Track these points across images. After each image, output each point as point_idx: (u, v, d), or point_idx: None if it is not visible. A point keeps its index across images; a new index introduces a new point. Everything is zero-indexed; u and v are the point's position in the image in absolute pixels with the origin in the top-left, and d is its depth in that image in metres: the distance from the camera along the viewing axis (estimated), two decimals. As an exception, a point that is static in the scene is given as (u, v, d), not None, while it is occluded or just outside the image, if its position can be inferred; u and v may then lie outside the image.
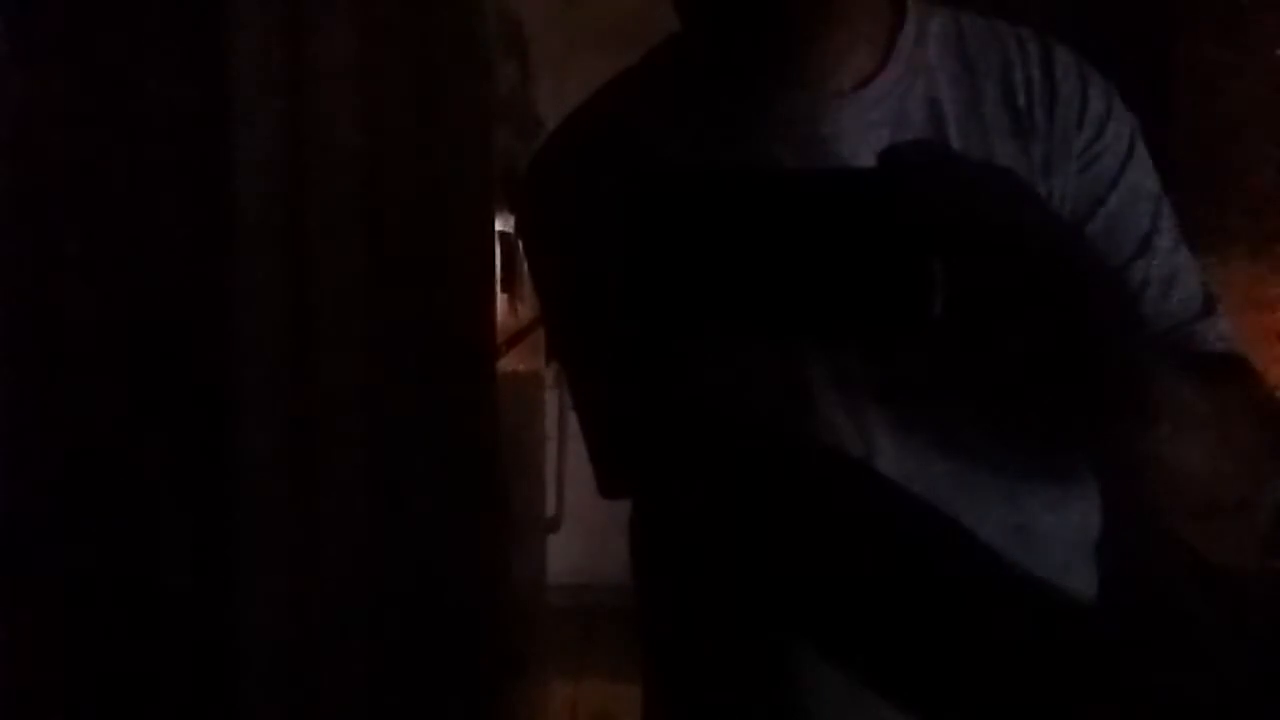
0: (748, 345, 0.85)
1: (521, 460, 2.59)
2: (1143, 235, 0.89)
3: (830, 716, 0.89)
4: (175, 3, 1.01)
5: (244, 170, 1.05)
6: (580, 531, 2.95)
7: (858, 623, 0.87)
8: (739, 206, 0.66)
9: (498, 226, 2.15)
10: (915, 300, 0.63)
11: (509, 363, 2.28)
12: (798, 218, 0.65)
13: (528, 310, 2.48)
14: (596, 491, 0.96)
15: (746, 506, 0.87)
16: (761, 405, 0.86)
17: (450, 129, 1.80)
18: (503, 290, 2.25)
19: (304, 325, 1.20)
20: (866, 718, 0.87)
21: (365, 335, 1.38)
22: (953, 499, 0.85)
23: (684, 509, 0.90)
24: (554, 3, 3.28)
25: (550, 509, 3.04)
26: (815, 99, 0.88)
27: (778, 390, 0.86)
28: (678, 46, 0.96)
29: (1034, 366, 0.67)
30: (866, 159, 0.68)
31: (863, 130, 0.86)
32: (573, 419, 0.98)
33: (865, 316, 0.65)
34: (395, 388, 1.49)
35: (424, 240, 1.64)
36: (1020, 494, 0.88)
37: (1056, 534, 0.89)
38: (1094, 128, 0.89)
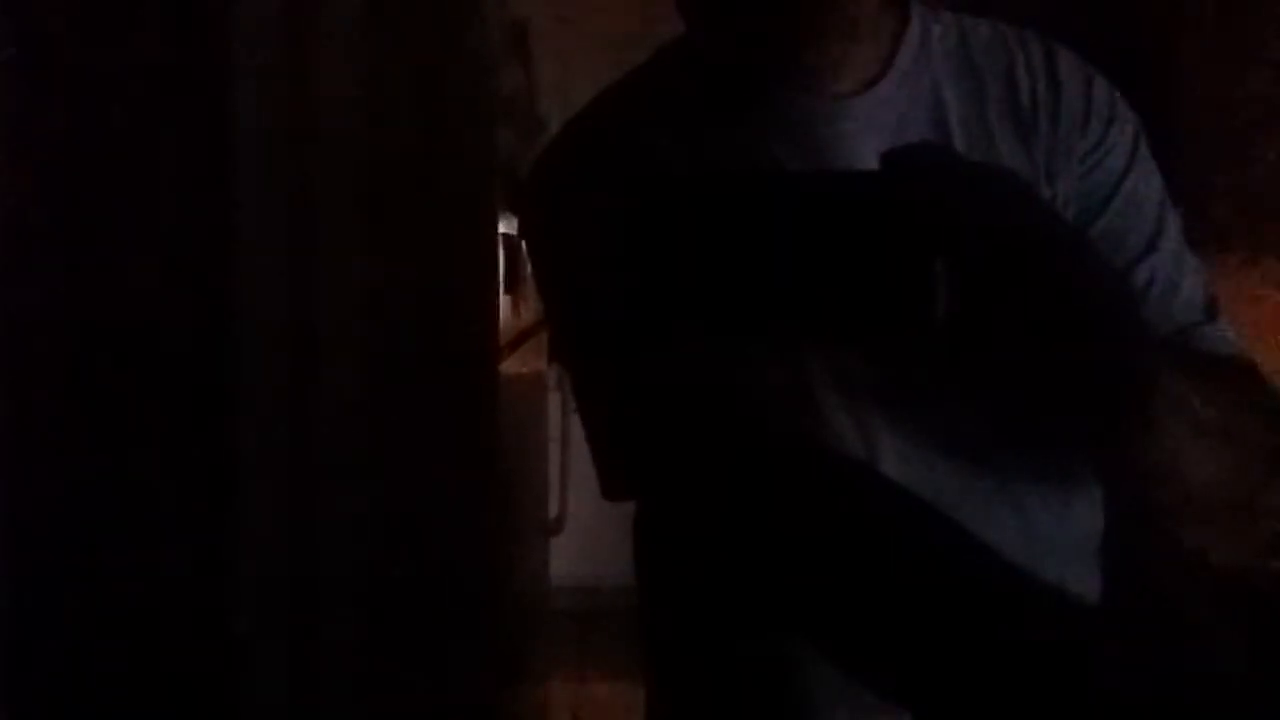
0: (751, 347, 0.85)
1: (524, 462, 2.59)
2: (1147, 237, 0.89)
3: (831, 718, 0.89)
4: (176, 9, 1.01)
5: (245, 173, 1.05)
6: (582, 534, 2.95)
7: (859, 624, 0.87)
8: (742, 209, 0.66)
9: (501, 228, 2.15)
10: (918, 302, 0.63)
11: (511, 365, 2.28)
12: (800, 220, 0.65)
13: (530, 312, 2.49)
14: (599, 494, 0.96)
15: (749, 509, 0.87)
16: (764, 407, 0.86)
17: (453, 130, 1.80)
18: (505, 292, 2.25)
19: (305, 326, 1.19)
20: (867, 718, 0.87)
21: (367, 337, 1.38)
22: (955, 501, 0.85)
23: (687, 511, 0.90)
24: (557, 4, 3.28)
25: (553, 511, 3.04)
26: (819, 102, 0.88)
27: (781, 392, 0.86)
28: (681, 49, 0.96)
29: (1037, 369, 0.67)
30: (870, 162, 0.68)
31: (866, 133, 0.86)
32: (575, 421, 0.98)
33: (868, 319, 0.65)
34: (397, 390, 1.49)
35: (426, 242, 1.64)
36: (1023, 496, 0.88)
37: (1059, 536, 0.89)
38: (1098, 130, 0.89)
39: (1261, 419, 0.85)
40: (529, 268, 1.73)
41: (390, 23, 1.50)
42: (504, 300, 2.23)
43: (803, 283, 0.65)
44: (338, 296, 1.29)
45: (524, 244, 1.05)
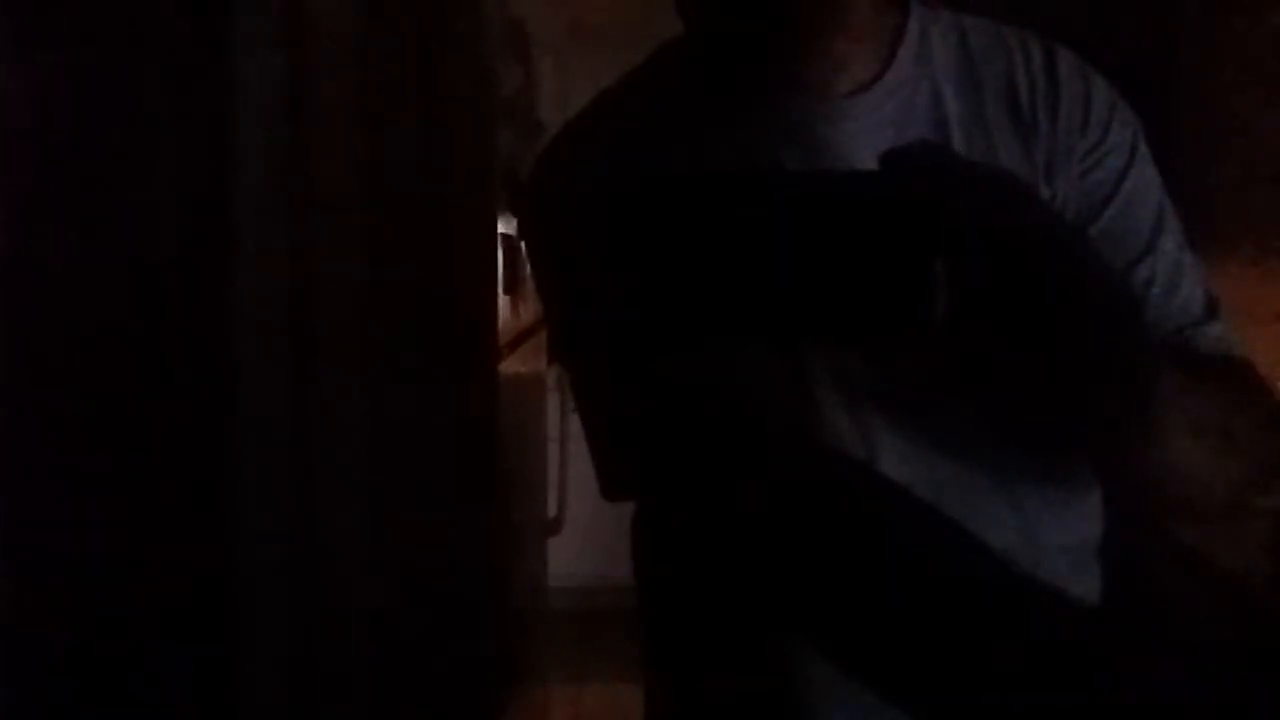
0: (750, 347, 0.85)
1: (523, 462, 2.59)
2: (1146, 238, 0.89)
3: (831, 717, 0.89)
4: (177, 7, 1.01)
5: (246, 172, 1.05)
6: (581, 534, 2.95)
7: (859, 624, 0.87)
8: (741, 209, 0.66)
9: (500, 229, 2.15)
10: (917, 303, 0.63)
11: (511, 365, 2.28)
12: (800, 220, 0.65)
13: (530, 312, 2.49)
14: (598, 493, 0.96)
15: (748, 508, 0.87)
16: (764, 407, 0.86)
17: (453, 131, 1.80)
18: (505, 292, 2.25)
19: (306, 326, 1.20)
20: (867, 718, 0.87)
21: (367, 337, 1.38)
22: (955, 501, 0.85)
23: (686, 510, 0.90)
24: (557, 4, 3.28)
25: (551, 511, 3.04)
26: (818, 102, 0.88)
27: (780, 392, 0.86)
28: (681, 49, 0.96)
29: (1036, 369, 0.67)
30: (869, 162, 0.68)
31: (865, 133, 0.86)
32: (574, 421, 0.98)
33: (867, 319, 0.65)
34: (397, 389, 1.49)
35: (426, 242, 1.64)
36: (1022, 496, 0.87)
37: (1059, 536, 0.89)
38: (1097, 130, 0.89)
39: (1260, 420, 0.85)
40: (528, 268, 1.73)
41: (390, 23, 1.50)
42: (503, 300, 2.23)
43: (802, 283, 0.65)
44: (338, 296, 1.29)
45: (523, 244, 1.05)
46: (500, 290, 2.20)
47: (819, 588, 0.87)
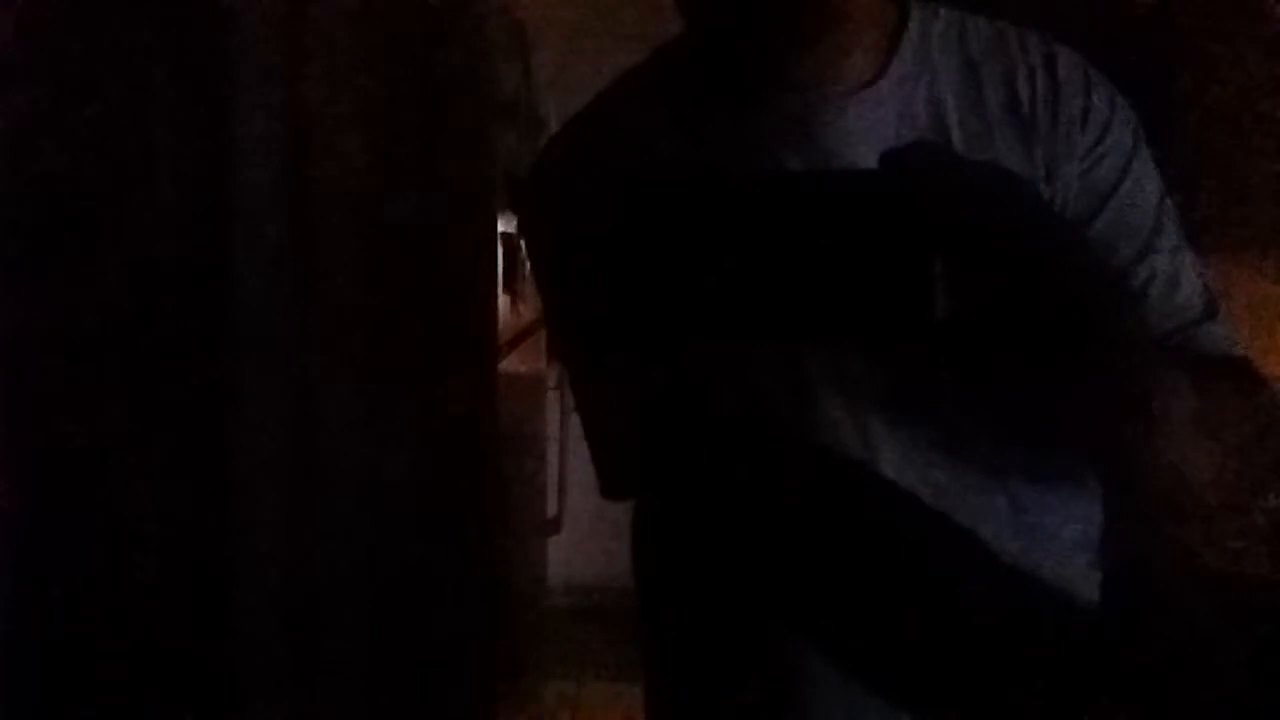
0: (750, 346, 0.85)
1: (523, 461, 2.59)
2: (1146, 237, 0.89)
3: (831, 716, 0.89)
4: (176, 7, 1.01)
5: (245, 171, 1.05)
6: (581, 533, 2.95)
7: (859, 623, 0.87)
8: (741, 208, 0.66)
9: (500, 227, 2.15)
10: (917, 301, 0.63)
11: (510, 364, 2.28)
12: (800, 219, 0.65)
13: (530, 311, 2.49)
14: (598, 493, 0.96)
15: (748, 507, 0.87)
16: (764, 406, 0.86)
17: (453, 129, 1.80)
18: (505, 291, 2.25)
19: (305, 325, 1.20)
20: (867, 717, 0.87)
21: (366, 335, 1.38)
22: (955, 500, 0.85)
23: (686, 510, 0.91)
24: (557, 4, 3.28)
25: (551, 510, 3.04)
26: (818, 101, 0.88)
27: (780, 391, 0.86)
28: (681, 49, 0.96)
29: (1035, 368, 0.67)
30: (869, 161, 0.68)
31: (865, 132, 0.86)
32: (574, 420, 0.98)
33: (867, 318, 0.65)
34: (396, 388, 1.49)
35: (426, 240, 1.64)
36: (1022, 495, 0.88)
37: (1058, 535, 0.89)
38: (1097, 129, 0.89)
39: (1260, 419, 0.85)
40: (528, 266, 1.73)
41: (390, 23, 1.50)
42: (503, 299, 2.23)
43: (802, 282, 0.65)
44: (338, 295, 1.29)
45: (524, 241, 1.05)
46: (500, 288, 2.20)
47: (818, 587, 0.87)
